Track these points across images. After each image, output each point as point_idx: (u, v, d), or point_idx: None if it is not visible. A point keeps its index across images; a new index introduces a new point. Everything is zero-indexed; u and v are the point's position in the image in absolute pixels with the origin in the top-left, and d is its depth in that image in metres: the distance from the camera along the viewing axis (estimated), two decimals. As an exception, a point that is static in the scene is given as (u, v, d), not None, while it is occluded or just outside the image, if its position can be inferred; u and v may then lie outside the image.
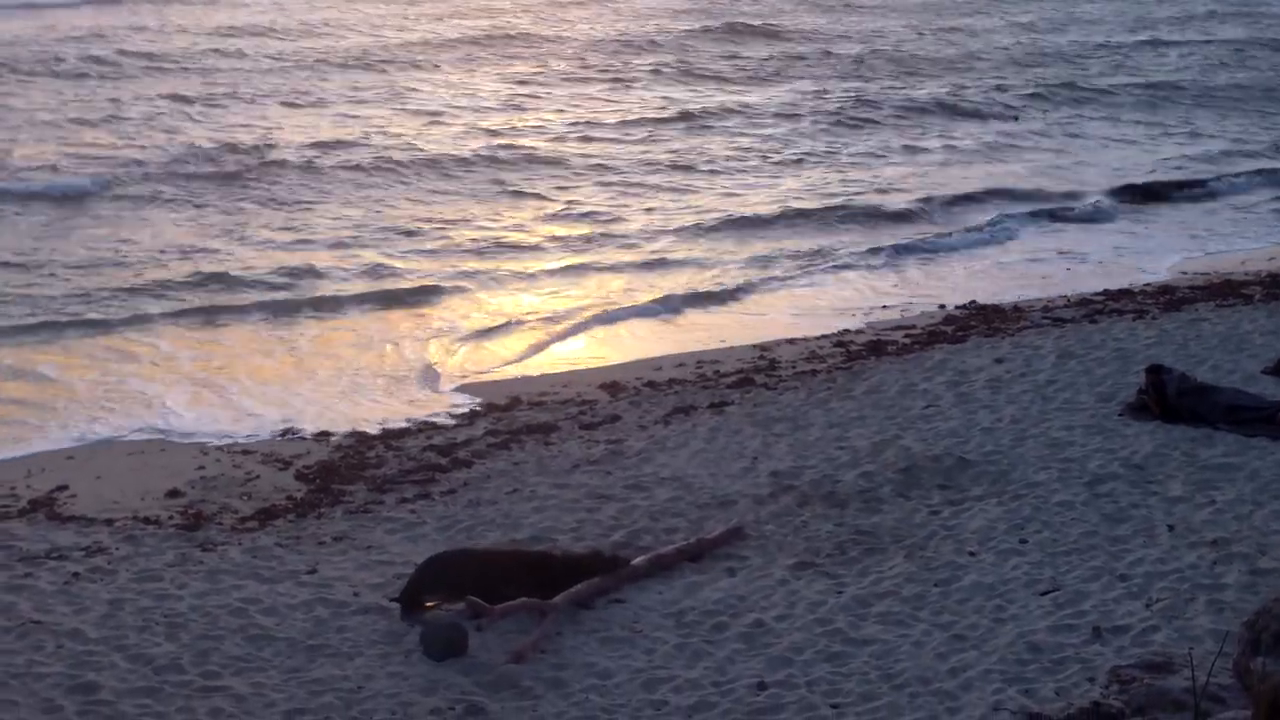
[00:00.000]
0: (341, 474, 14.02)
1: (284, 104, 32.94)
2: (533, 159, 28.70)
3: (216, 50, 38.83)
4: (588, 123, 31.95)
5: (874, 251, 22.98)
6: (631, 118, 32.58)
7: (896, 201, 26.05)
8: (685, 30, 44.45)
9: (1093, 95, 36.05)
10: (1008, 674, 9.66)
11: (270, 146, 28.28)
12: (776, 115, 33.10)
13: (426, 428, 15.48)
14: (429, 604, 10.94)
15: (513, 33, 43.85)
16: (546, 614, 10.68)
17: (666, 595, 11.21)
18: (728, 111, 33.41)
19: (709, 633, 10.58)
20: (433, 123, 31.69)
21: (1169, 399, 14.26)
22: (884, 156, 29.84)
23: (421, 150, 28.77)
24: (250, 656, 10.25)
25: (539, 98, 34.98)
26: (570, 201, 26.02)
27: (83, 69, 35.47)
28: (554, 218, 24.97)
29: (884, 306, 20.09)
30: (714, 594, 11.18)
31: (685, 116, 32.62)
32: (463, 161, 28.20)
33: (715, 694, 9.66)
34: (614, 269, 22.06)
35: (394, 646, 10.44)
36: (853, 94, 35.17)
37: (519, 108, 33.85)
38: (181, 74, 35.79)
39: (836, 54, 41.10)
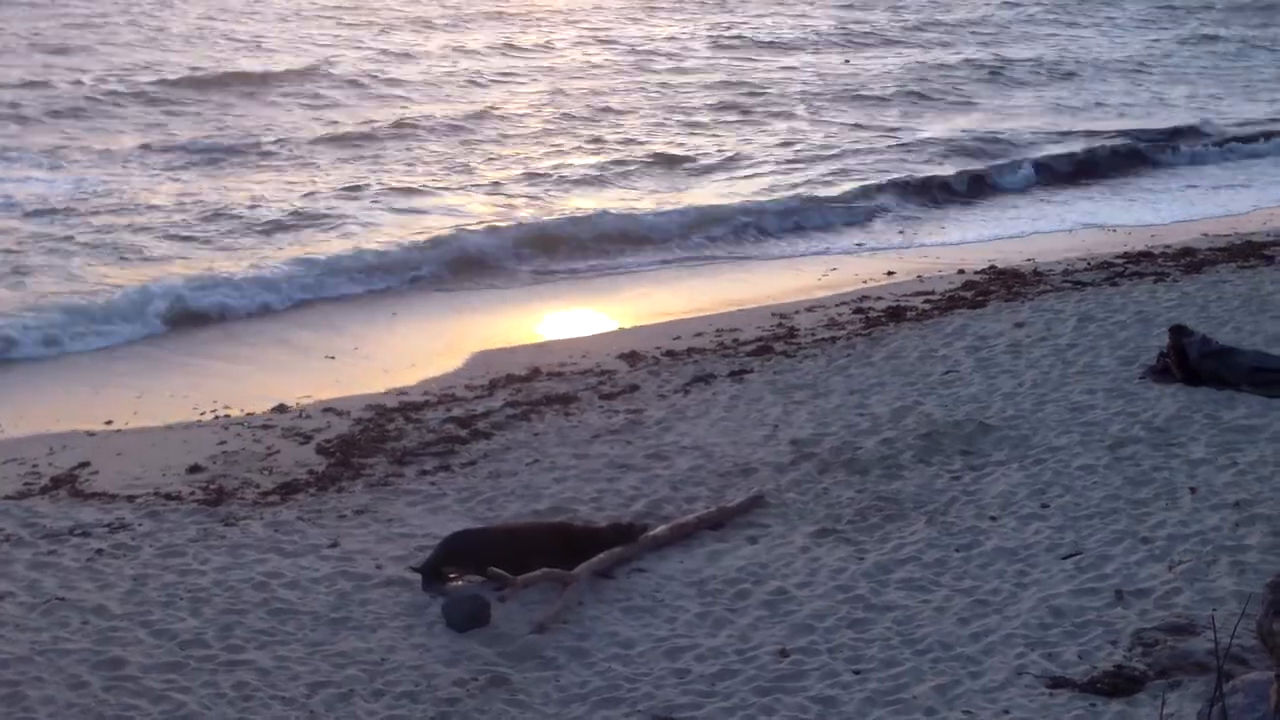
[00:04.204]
0: (361, 447, 14.03)
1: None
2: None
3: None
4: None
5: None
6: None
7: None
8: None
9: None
10: (1030, 638, 9.65)
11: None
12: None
13: (446, 399, 15.46)
14: (451, 576, 10.96)
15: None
16: (568, 584, 10.69)
17: (688, 564, 11.22)
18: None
19: (731, 601, 10.58)
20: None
21: (1191, 362, 14.19)
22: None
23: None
24: (274, 630, 10.28)
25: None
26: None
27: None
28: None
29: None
30: (736, 562, 11.18)
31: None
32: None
33: (738, 662, 9.67)
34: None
35: (417, 618, 10.46)
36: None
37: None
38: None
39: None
